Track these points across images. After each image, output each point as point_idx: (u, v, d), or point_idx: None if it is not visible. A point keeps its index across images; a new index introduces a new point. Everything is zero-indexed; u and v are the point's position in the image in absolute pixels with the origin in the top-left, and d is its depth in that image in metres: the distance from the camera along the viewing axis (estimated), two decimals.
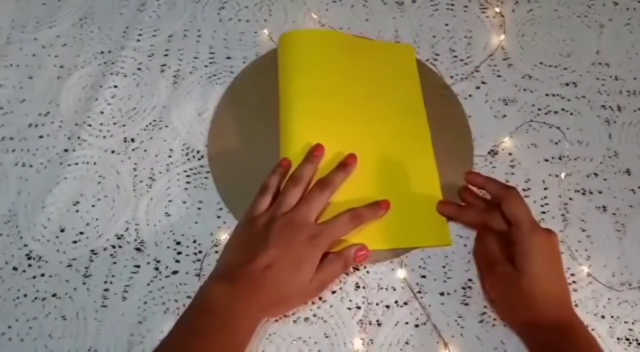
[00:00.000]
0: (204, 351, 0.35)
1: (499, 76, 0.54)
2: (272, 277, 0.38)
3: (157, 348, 0.36)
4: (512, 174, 0.49)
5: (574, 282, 0.44)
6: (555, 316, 0.39)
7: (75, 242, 0.46)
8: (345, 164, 0.44)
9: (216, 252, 0.45)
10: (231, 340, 0.36)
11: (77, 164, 0.49)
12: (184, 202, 0.47)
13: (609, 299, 0.44)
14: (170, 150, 0.50)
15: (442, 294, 0.44)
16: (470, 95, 0.53)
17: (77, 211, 0.47)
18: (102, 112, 0.52)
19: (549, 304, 0.39)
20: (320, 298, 0.43)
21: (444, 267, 0.45)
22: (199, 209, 0.47)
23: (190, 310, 0.37)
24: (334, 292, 0.44)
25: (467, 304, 0.43)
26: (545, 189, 0.48)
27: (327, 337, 0.42)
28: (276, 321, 0.42)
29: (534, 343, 0.40)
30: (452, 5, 0.58)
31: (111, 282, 0.44)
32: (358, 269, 0.45)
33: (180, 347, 0.36)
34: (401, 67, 0.53)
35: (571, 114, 0.52)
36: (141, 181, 0.48)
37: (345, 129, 0.48)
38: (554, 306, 0.39)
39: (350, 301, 0.43)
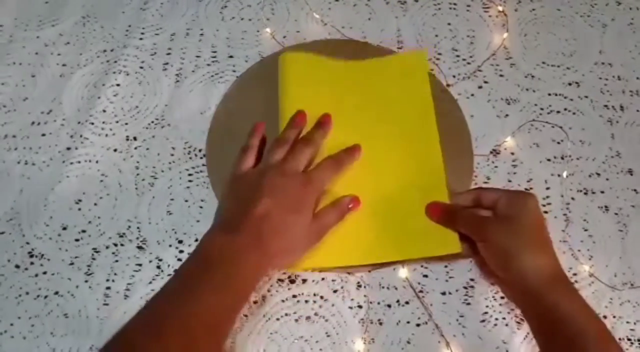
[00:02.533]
0: (209, 303, 0.34)
1: (501, 76, 0.54)
2: (272, 225, 0.38)
3: (153, 300, 0.34)
4: (514, 173, 0.49)
5: (576, 281, 0.44)
6: (548, 263, 0.38)
7: (77, 240, 0.46)
8: (322, 123, 0.47)
9: None
10: (236, 292, 0.36)
11: (79, 162, 0.49)
12: (186, 201, 0.47)
13: (611, 299, 0.44)
14: (173, 148, 0.50)
15: (443, 293, 0.44)
16: (472, 95, 0.53)
17: (79, 209, 0.47)
18: (104, 111, 0.52)
19: (541, 249, 0.39)
20: (321, 297, 0.44)
21: (445, 266, 0.45)
22: (201, 207, 0.47)
23: (191, 262, 0.37)
24: (335, 291, 0.44)
25: (468, 304, 0.43)
26: (548, 188, 0.48)
27: (328, 336, 0.42)
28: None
29: (530, 304, 0.39)
30: (454, 4, 0.58)
31: (113, 280, 0.44)
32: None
33: (182, 300, 0.34)
34: (409, 79, 0.51)
35: (574, 113, 0.52)
36: (143, 180, 0.48)
37: (348, 143, 0.47)
38: (546, 252, 0.39)
39: (352, 300, 0.43)
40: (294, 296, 0.44)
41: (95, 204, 0.47)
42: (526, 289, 0.38)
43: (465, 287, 0.44)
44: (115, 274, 0.44)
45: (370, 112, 0.50)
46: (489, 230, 0.40)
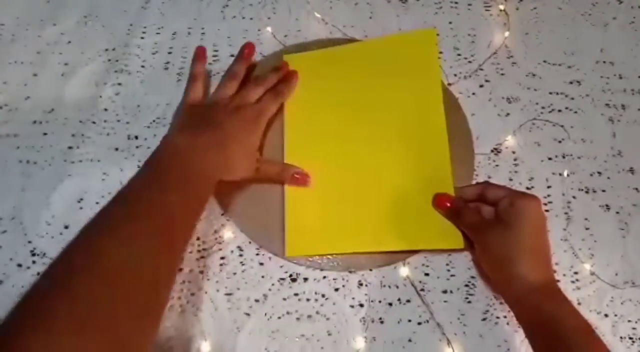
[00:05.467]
0: (167, 200, 0.36)
1: (502, 74, 0.54)
2: (228, 133, 0.43)
3: (107, 206, 0.36)
4: (516, 172, 0.49)
5: (577, 280, 0.44)
6: (540, 272, 0.39)
7: None
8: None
9: (220, 249, 0.45)
10: (195, 189, 0.39)
11: (81, 161, 0.49)
12: None
13: (612, 297, 0.44)
14: None
15: (445, 292, 0.44)
16: (473, 94, 0.53)
17: (81, 208, 0.47)
18: (106, 110, 0.52)
19: (536, 258, 0.39)
20: (323, 295, 0.44)
21: (447, 265, 0.45)
22: None
23: (150, 161, 0.39)
24: (336, 289, 0.44)
25: (470, 302, 0.43)
26: (549, 187, 0.48)
27: (329, 335, 0.42)
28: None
29: (520, 308, 0.39)
30: (456, 3, 0.58)
31: None
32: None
33: (139, 198, 0.37)
34: (418, 57, 0.52)
35: (575, 112, 0.52)
36: None
37: (355, 132, 0.48)
38: (539, 261, 0.39)
39: (353, 298, 0.44)
40: (295, 295, 0.44)
41: (97, 203, 0.47)
42: (515, 295, 0.39)
43: (466, 286, 0.44)
44: None
45: (377, 97, 0.50)
46: (487, 234, 0.41)
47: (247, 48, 0.51)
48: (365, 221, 0.45)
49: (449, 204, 0.44)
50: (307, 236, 0.44)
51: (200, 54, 0.50)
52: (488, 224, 0.41)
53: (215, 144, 0.42)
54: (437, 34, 0.55)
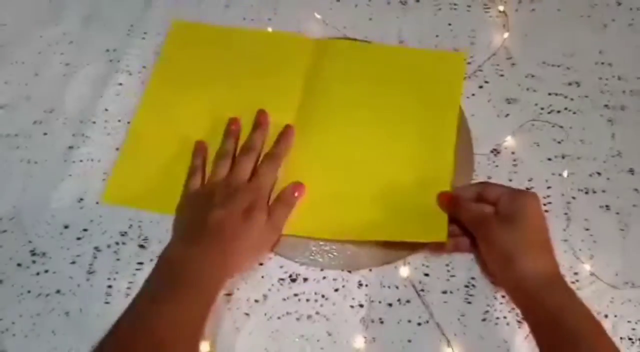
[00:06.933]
0: (176, 315, 0.35)
1: (502, 75, 0.54)
2: (229, 231, 0.40)
3: (121, 319, 0.35)
4: (515, 173, 0.49)
5: (577, 281, 0.44)
6: (547, 266, 0.39)
7: (79, 239, 0.46)
8: (258, 124, 0.48)
9: None
10: (202, 300, 0.37)
11: (81, 161, 0.49)
12: None
13: (612, 298, 0.44)
14: None
15: (445, 292, 0.44)
16: (473, 95, 0.53)
17: (81, 207, 0.47)
18: (107, 110, 0.52)
19: (541, 252, 0.39)
20: (322, 296, 0.44)
21: (447, 265, 0.45)
22: None
23: (155, 276, 0.38)
24: (336, 290, 0.44)
25: (470, 303, 0.43)
26: (548, 188, 0.48)
27: (329, 335, 0.42)
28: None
29: (527, 303, 0.39)
30: (455, 4, 0.58)
31: (115, 279, 0.44)
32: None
33: (149, 314, 0.35)
34: (443, 77, 0.53)
35: (574, 113, 0.52)
36: None
37: (359, 116, 0.50)
38: (544, 255, 0.39)
39: (353, 299, 0.44)
40: (295, 295, 0.44)
41: (97, 203, 0.47)
42: (524, 289, 0.38)
43: (466, 286, 0.44)
44: (116, 273, 0.44)
45: (391, 97, 0.51)
46: (491, 228, 0.40)
47: (233, 124, 0.48)
48: (350, 209, 0.46)
49: (450, 199, 0.44)
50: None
51: (199, 148, 0.48)
52: (492, 219, 0.41)
53: (216, 250, 0.39)
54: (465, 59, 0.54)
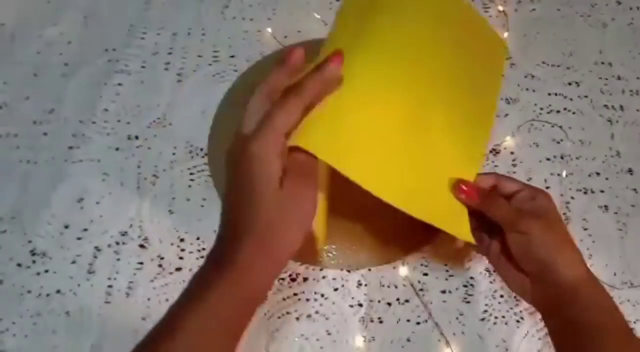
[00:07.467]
0: (224, 303, 0.31)
1: (501, 75, 0.54)
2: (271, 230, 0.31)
3: (171, 307, 0.31)
4: (514, 173, 0.49)
5: None
6: (581, 262, 0.37)
7: (79, 238, 0.46)
8: (328, 61, 0.33)
9: None
10: (249, 295, 0.32)
11: (81, 161, 0.49)
12: (188, 200, 0.48)
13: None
14: (174, 147, 0.50)
15: (443, 292, 0.44)
16: None
17: (81, 207, 0.47)
18: (106, 110, 0.52)
19: (573, 249, 0.37)
20: (322, 295, 0.44)
21: (445, 265, 0.45)
22: (202, 206, 0.47)
23: (205, 266, 0.33)
24: (336, 289, 0.44)
25: (468, 302, 0.44)
26: (547, 188, 0.48)
27: (329, 334, 0.42)
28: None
29: (558, 299, 0.37)
30: None
31: (115, 279, 0.44)
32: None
33: (196, 301, 0.31)
34: (490, 54, 0.45)
35: (573, 113, 0.52)
36: (145, 178, 0.49)
37: (414, 81, 0.38)
38: (577, 252, 0.37)
39: (352, 298, 0.44)
40: (295, 294, 0.44)
41: (97, 203, 0.47)
42: (560, 285, 0.36)
43: (465, 286, 0.44)
44: (117, 272, 0.44)
45: (444, 54, 0.41)
46: (526, 223, 0.37)
47: (292, 53, 0.34)
48: (388, 160, 0.36)
49: (478, 191, 0.38)
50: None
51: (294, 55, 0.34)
52: (525, 213, 0.37)
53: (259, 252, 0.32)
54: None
